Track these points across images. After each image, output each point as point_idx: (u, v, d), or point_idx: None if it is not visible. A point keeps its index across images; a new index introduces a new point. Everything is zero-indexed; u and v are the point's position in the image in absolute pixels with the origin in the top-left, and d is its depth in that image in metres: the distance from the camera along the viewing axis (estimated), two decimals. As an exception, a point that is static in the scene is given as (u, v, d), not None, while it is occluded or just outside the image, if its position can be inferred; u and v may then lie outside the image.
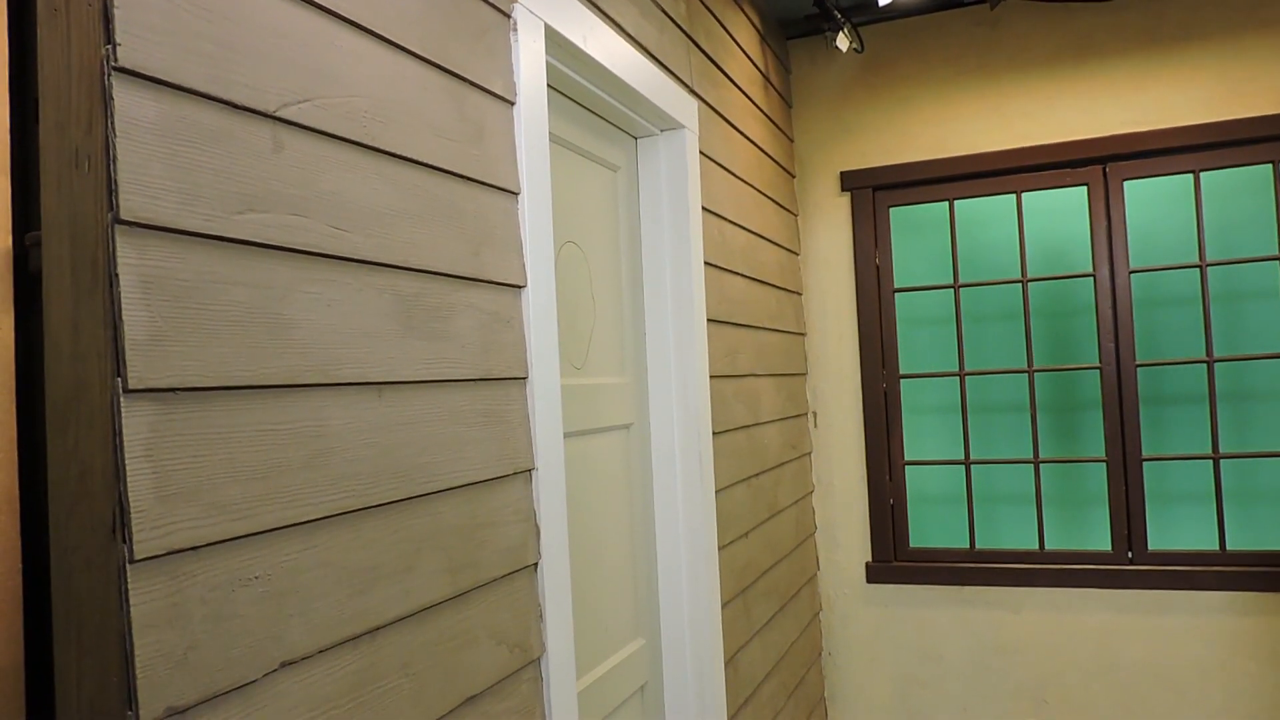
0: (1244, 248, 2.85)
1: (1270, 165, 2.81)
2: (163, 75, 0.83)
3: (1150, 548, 2.89)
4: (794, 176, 3.24)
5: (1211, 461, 2.85)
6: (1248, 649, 2.75)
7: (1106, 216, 2.91)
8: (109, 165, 0.78)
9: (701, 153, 2.26)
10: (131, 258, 0.79)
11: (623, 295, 2.03)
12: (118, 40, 0.79)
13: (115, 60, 0.79)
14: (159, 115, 0.82)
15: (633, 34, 1.88)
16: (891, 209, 3.18)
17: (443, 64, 1.24)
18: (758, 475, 2.57)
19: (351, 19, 1.08)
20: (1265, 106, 2.75)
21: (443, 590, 1.17)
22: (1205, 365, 2.86)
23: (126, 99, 0.80)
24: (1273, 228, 2.82)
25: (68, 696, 0.80)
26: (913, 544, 3.19)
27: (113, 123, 0.78)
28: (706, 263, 2.24)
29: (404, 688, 1.10)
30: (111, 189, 0.78)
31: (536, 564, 1.40)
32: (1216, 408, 2.82)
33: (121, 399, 0.77)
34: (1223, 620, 2.77)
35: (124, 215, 0.78)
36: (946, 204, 3.14)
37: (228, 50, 0.90)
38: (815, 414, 3.23)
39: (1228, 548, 2.83)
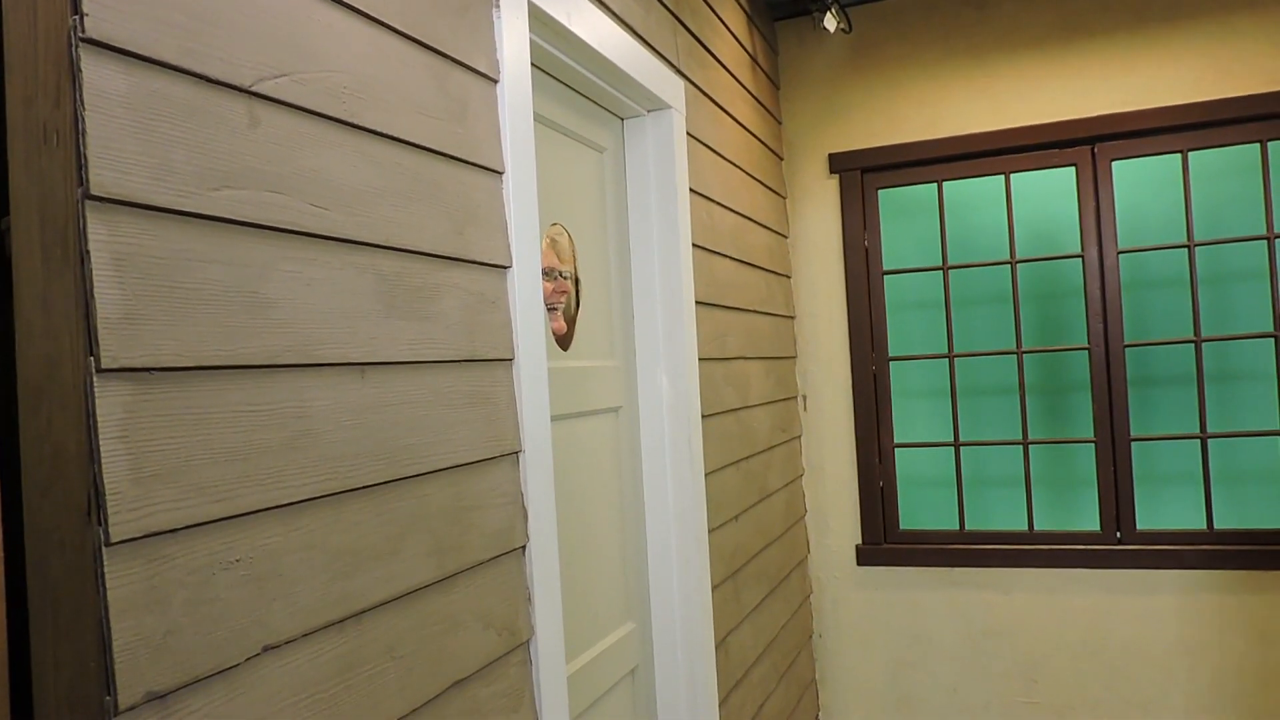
0: (1232, 228, 2.85)
1: (1258, 145, 2.81)
2: (133, 47, 0.81)
3: (1139, 528, 2.90)
4: (782, 159, 3.22)
5: (1199, 441, 2.86)
6: (1235, 627, 2.77)
7: (1095, 197, 2.91)
8: (78, 140, 0.76)
9: (689, 134, 2.24)
10: (102, 234, 0.77)
11: (610, 278, 2.02)
12: (85, 11, 0.77)
13: (83, 31, 0.77)
14: (130, 88, 0.80)
15: (618, 13, 1.86)
16: (880, 191, 3.17)
17: (424, 40, 1.22)
18: (747, 459, 2.56)
19: (329, -7, 1.06)
20: (1253, 86, 2.75)
21: (429, 573, 1.16)
22: (1193, 345, 2.87)
23: (95, 72, 0.78)
24: (1260, 207, 2.82)
25: (45, 681, 0.79)
26: (903, 526, 3.19)
27: (81, 96, 0.76)
28: (694, 245, 2.23)
29: (390, 671, 1.09)
30: (81, 164, 0.76)
31: (524, 547, 1.38)
32: (1204, 388, 2.83)
33: (94, 379, 0.76)
34: (1210, 599, 2.79)
35: (94, 191, 0.77)
36: (935, 186, 3.13)
37: (201, 22, 0.88)
38: (805, 397, 3.23)
39: (1215, 527, 2.84)
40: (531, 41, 1.60)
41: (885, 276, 3.17)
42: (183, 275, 0.84)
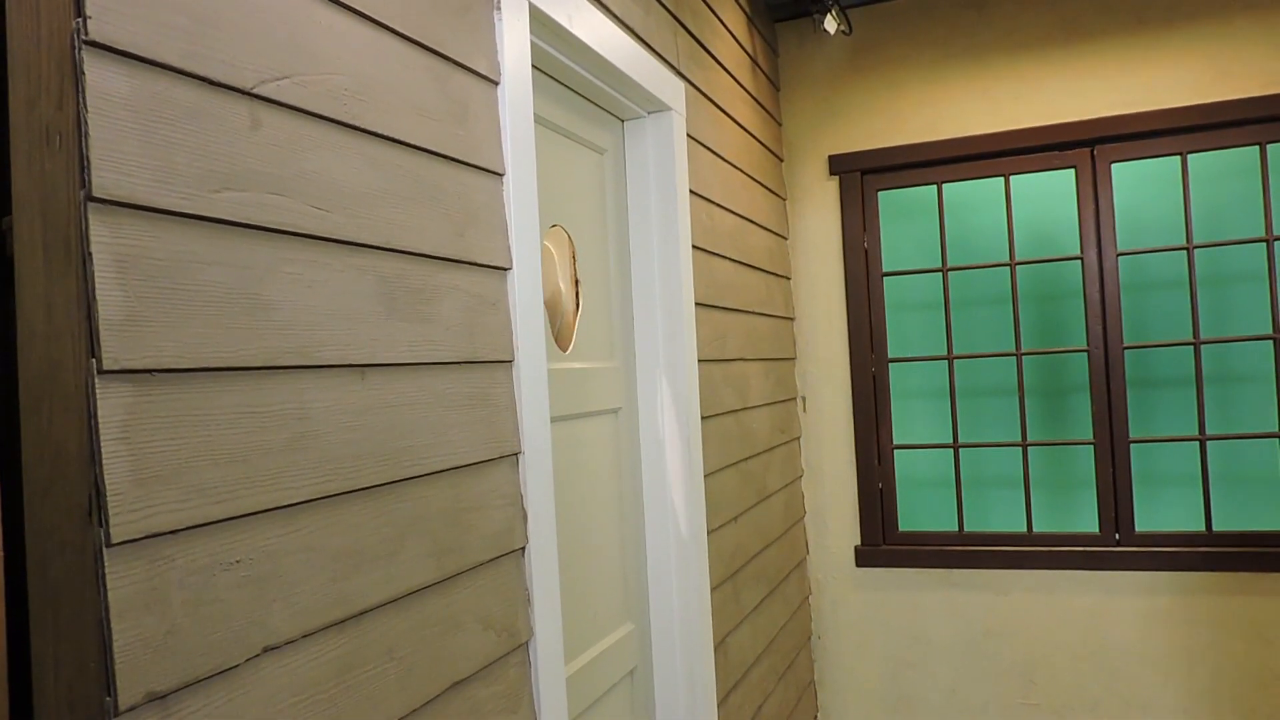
0: (1231, 230, 2.86)
1: (1257, 147, 2.81)
2: (136, 50, 0.81)
3: (1137, 529, 2.91)
4: (782, 160, 3.22)
5: (1198, 443, 2.87)
6: (1234, 629, 2.77)
7: (1094, 199, 2.91)
8: (81, 142, 0.77)
9: (689, 136, 2.25)
10: (105, 236, 0.77)
11: (610, 279, 2.02)
12: (88, 13, 0.77)
13: (86, 34, 0.77)
14: (132, 91, 0.81)
15: (619, 15, 1.86)
16: (880, 193, 3.17)
17: (425, 42, 1.22)
18: (747, 460, 2.56)
19: (330, -5, 1.06)
20: (1252, 88, 2.75)
21: (428, 574, 1.16)
22: (1192, 347, 2.87)
23: (98, 74, 0.78)
24: (1259, 210, 2.83)
25: (45, 681, 0.79)
26: (902, 528, 3.19)
27: (84, 98, 0.77)
28: (694, 246, 2.23)
29: (390, 672, 1.09)
30: (84, 166, 0.77)
31: (524, 548, 1.39)
32: (1203, 390, 2.83)
33: (96, 380, 0.76)
34: (1209, 601, 2.79)
35: (97, 193, 0.77)
36: (935, 188, 3.14)
37: (203, 25, 0.88)
38: (804, 399, 3.23)
39: (1214, 529, 2.85)
40: (532, 43, 1.60)
41: (885, 278, 3.17)
42: (184, 277, 0.85)
